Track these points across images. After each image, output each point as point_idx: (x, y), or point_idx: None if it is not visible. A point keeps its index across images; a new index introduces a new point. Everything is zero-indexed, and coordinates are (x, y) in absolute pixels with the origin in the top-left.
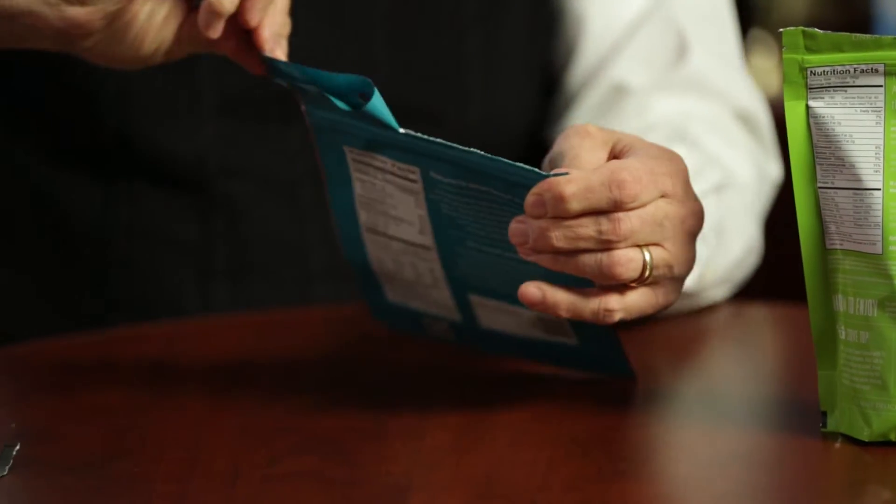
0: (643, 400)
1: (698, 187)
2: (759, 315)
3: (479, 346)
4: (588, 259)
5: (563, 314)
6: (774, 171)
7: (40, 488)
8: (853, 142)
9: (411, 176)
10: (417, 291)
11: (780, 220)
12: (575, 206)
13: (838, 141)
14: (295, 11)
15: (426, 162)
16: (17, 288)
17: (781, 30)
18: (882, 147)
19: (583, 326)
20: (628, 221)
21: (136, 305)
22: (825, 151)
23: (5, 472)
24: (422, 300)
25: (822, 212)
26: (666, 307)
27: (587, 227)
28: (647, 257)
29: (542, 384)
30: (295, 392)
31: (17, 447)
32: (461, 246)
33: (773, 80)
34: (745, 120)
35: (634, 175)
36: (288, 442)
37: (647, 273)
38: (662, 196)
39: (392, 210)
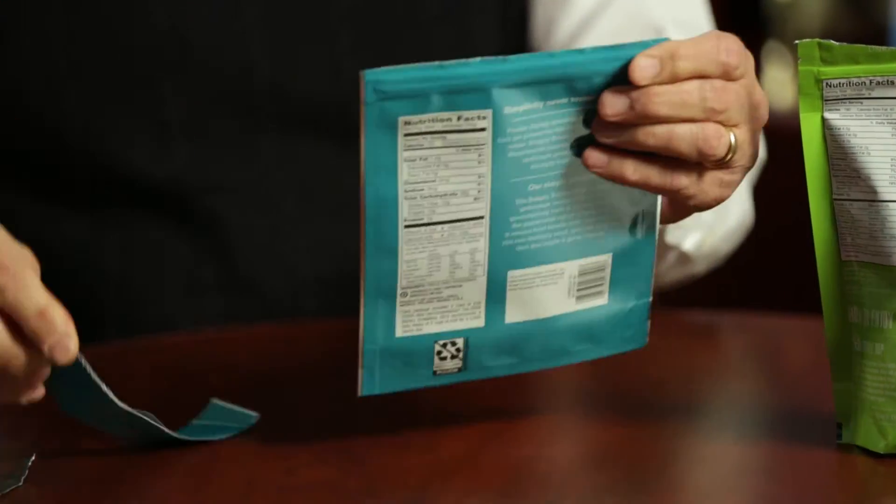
0: (658, 412)
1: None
2: (774, 326)
3: (489, 373)
4: (683, 130)
5: (630, 176)
6: (762, 152)
7: (55, 500)
8: (869, 154)
9: (480, 123)
10: (443, 295)
11: (794, 230)
12: (687, 65)
13: (854, 153)
14: (258, 13)
15: (498, 97)
16: None
17: (797, 42)
18: None
19: (621, 274)
20: (729, 92)
21: (128, 323)
22: (840, 163)
23: (20, 483)
24: (442, 313)
25: (838, 223)
26: (716, 200)
27: (693, 94)
28: (732, 138)
29: (557, 396)
30: (310, 404)
31: (33, 458)
32: (521, 196)
33: (789, 91)
34: None
35: (738, 45)
36: (304, 453)
37: (730, 154)
38: (746, 74)
39: (443, 186)
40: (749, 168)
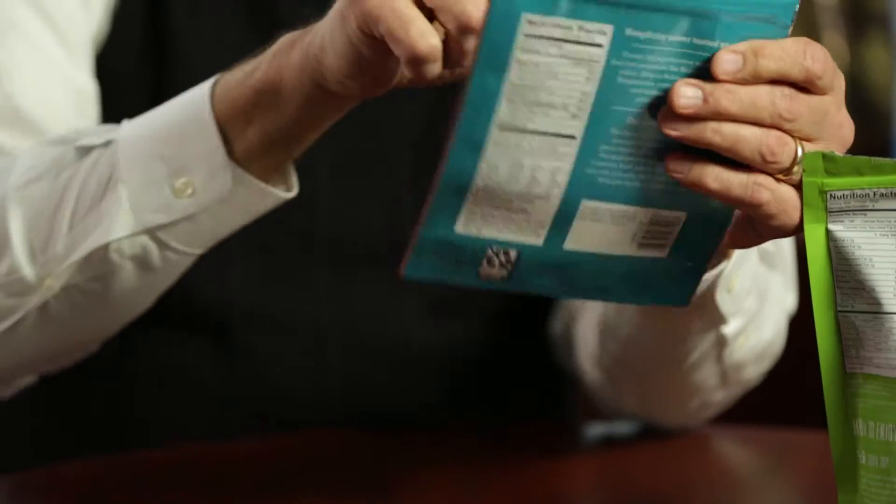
0: None
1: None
2: (779, 439)
3: (530, 288)
4: (748, 133)
5: (711, 183)
6: (791, 300)
7: None
8: (873, 265)
9: (598, 39)
10: (512, 206)
11: (798, 342)
12: (770, 64)
13: (858, 264)
14: (324, 153)
15: (624, 15)
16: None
17: (801, 153)
18: None
19: (689, 235)
20: (801, 103)
21: (149, 442)
22: (845, 275)
23: None
24: (505, 222)
25: (843, 335)
26: (797, 227)
27: (763, 97)
28: (800, 151)
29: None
30: None
31: None
32: (618, 127)
33: None
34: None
35: (825, 54)
36: None
37: (795, 166)
38: (831, 91)
39: (546, 96)
40: None
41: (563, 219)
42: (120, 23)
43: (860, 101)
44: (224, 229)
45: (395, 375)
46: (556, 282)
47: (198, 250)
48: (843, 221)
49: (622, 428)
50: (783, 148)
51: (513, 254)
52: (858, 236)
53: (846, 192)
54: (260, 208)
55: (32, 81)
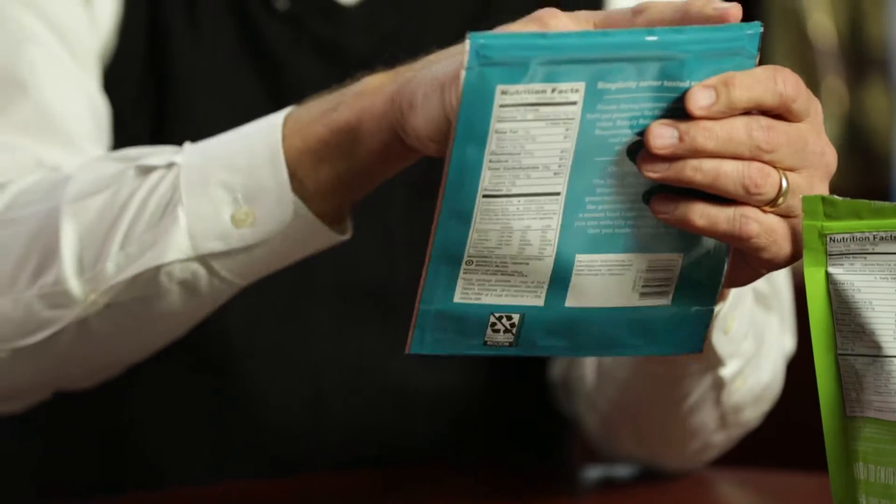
0: None
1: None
2: (779, 482)
3: (539, 351)
4: (729, 167)
5: (697, 221)
6: (789, 342)
7: None
8: (873, 309)
9: (572, 97)
10: (508, 270)
11: (799, 385)
12: (742, 93)
13: (858, 308)
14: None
15: (594, 71)
16: (26, 459)
17: (801, 196)
18: None
19: (689, 278)
20: (779, 132)
21: (148, 479)
22: (845, 318)
23: None
24: (503, 286)
25: (843, 379)
26: (790, 257)
27: (740, 130)
28: (784, 181)
29: None
30: None
31: None
32: (600, 177)
33: None
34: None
35: (795, 78)
36: None
37: (781, 197)
38: (808, 118)
39: (527, 159)
40: None
41: (561, 277)
42: (123, 51)
43: (860, 146)
44: (276, 264)
45: (394, 416)
46: (564, 341)
47: (245, 282)
48: (843, 265)
49: (621, 471)
50: (766, 179)
51: (516, 318)
52: (858, 280)
53: (846, 236)
54: (314, 247)
55: (58, 93)
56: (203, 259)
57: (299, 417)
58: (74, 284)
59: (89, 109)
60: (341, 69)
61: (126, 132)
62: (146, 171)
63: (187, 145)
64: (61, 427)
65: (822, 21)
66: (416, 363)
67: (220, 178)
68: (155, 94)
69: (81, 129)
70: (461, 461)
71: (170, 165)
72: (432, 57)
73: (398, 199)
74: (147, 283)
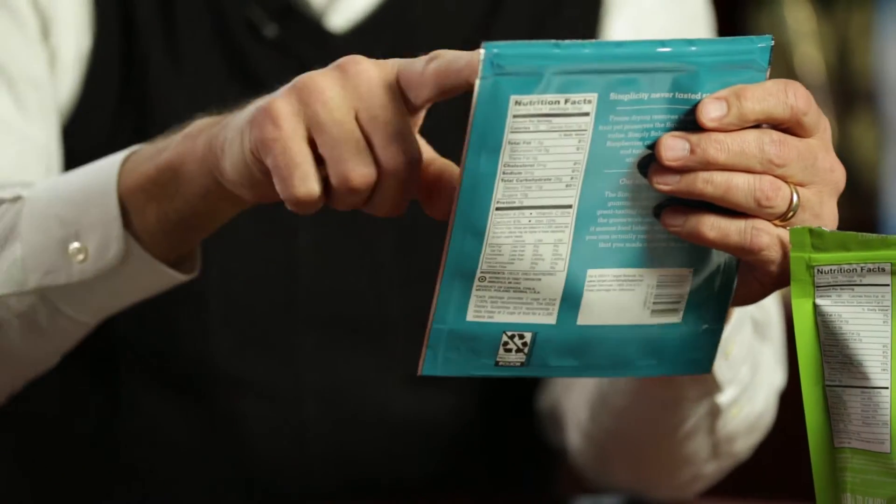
0: None
1: (737, 313)
2: None
3: (550, 372)
4: (741, 180)
5: (708, 233)
6: (780, 377)
7: None
8: (861, 340)
9: (585, 108)
10: (521, 287)
11: (787, 416)
12: (754, 105)
13: (846, 339)
14: (309, 229)
15: (606, 82)
16: (15, 489)
17: (789, 228)
18: (889, 346)
19: (700, 295)
20: (790, 147)
21: None
22: (833, 349)
23: None
24: (516, 303)
25: (830, 410)
26: None
27: (751, 144)
28: (795, 196)
29: None
30: None
31: None
32: (611, 189)
33: None
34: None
35: (806, 92)
36: None
37: (791, 212)
38: (817, 133)
39: (539, 171)
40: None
41: (572, 293)
42: (95, 84)
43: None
44: (117, 302)
45: (378, 445)
46: (576, 361)
47: (90, 319)
48: (830, 296)
49: (609, 501)
50: (777, 192)
51: (528, 336)
52: (846, 311)
53: (834, 267)
54: (159, 286)
55: None
56: (40, 292)
57: (284, 447)
58: None
59: (14, 147)
60: None
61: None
62: None
63: (40, 180)
64: (46, 449)
65: (809, 53)
66: (403, 393)
67: (57, 211)
68: (133, 126)
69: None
70: (447, 491)
71: (16, 199)
72: (252, 103)
73: (390, 235)
74: None
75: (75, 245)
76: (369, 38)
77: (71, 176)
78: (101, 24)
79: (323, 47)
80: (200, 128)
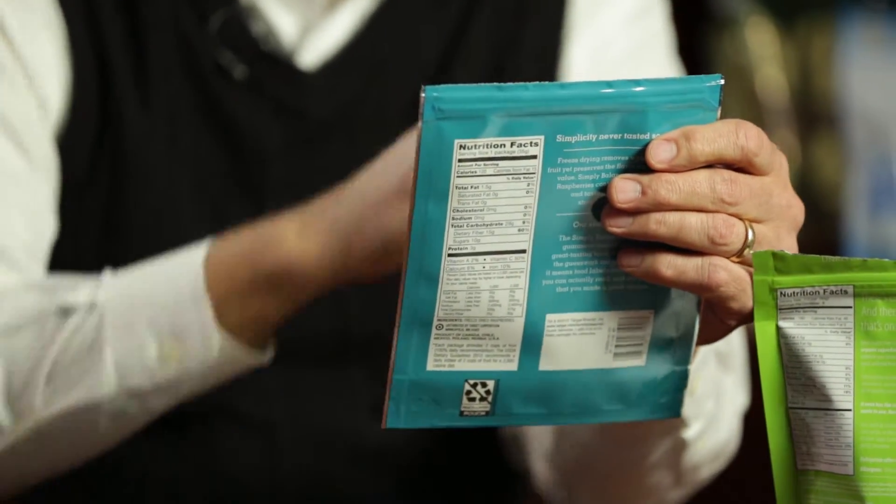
0: None
1: (702, 350)
2: None
3: (516, 420)
4: (694, 219)
5: (665, 271)
6: (742, 397)
7: None
8: (823, 362)
9: (532, 150)
10: (479, 334)
11: (750, 438)
12: (704, 147)
13: (809, 361)
14: None
15: (552, 124)
16: None
17: (751, 252)
18: (852, 368)
19: (662, 337)
20: (741, 185)
21: None
22: (796, 372)
23: None
24: (475, 351)
25: (794, 432)
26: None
27: (702, 183)
28: (750, 232)
29: None
30: None
31: None
32: (565, 233)
33: None
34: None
35: (758, 132)
36: None
37: (747, 248)
38: (772, 171)
39: (489, 215)
40: None
41: (532, 338)
42: (71, 135)
43: (810, 201)
44: (201, 389)
45: (349, 470)
46: (542, 409)
47: (169, 408)
48: (793, 318)
49: None
50: (731, 230)
51: (490, 384)
52: (809, 333)
53: (796, 290)
54: (237, 370)
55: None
56: (131, 392)
57: (254, 475)
58: (3, 415)
59: (27, 214)
60: (303, 134)
61: (82, 205)
62: (67, 312)
63: (107, 278)
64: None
65: (771, 76)
66: (370, 419)
67: (145, 315)
68: (110, 167)
69: (16, 240)
70: None
71: (91, 307)
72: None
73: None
74: (76, 416)
75: (169, 347)
76: (340, 75)
77: (145, 276)
78: (78, 74)
79: (295, 85)
80: (305, 222)
